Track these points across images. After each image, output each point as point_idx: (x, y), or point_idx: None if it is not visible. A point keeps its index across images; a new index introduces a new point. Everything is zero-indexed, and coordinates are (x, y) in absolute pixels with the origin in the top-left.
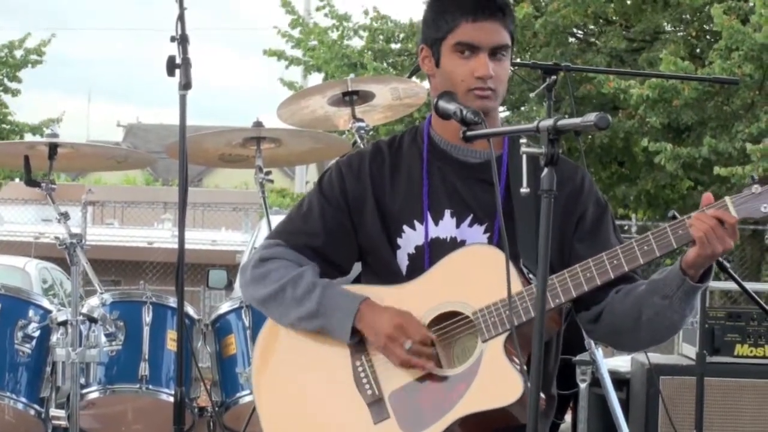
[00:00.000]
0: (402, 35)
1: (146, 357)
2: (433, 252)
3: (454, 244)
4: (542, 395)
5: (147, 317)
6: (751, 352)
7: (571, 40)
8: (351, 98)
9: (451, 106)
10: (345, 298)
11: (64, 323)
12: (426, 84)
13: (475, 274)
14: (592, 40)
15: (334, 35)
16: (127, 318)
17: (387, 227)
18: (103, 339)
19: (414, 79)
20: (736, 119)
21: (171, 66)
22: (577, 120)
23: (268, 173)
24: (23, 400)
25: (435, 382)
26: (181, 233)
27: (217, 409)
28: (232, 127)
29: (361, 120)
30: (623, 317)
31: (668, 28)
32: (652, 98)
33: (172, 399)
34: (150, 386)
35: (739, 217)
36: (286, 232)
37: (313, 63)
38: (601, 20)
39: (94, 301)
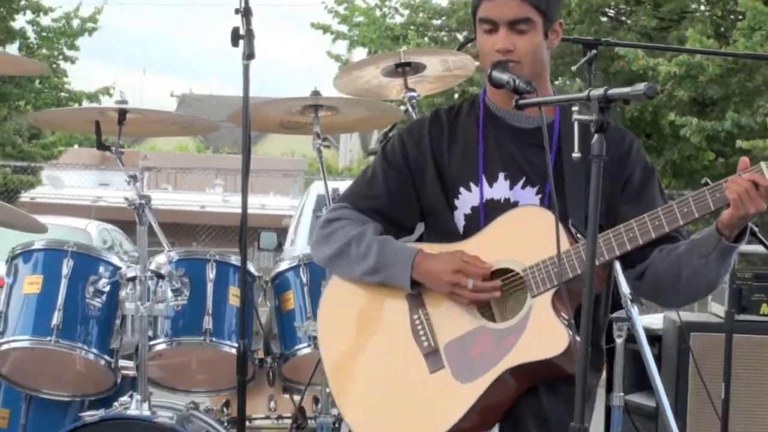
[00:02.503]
0: (442, 13)
1: (210, 311)
2: (488, 212)
3: (507, 205)
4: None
5: (211, 274)
6: None
7: (603, 18)
8: (404, 69)
9: (504, 76)
10: (400, 252)
11: (133, 279)
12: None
13: (526, 234)
14: (623, 18)
15: (378, 13)
16: (192, 274)
17: (445, 189)
18: (170, 294)
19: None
20: (758, 95)
21: (235, 37)
22: (626, 89)
23: (324, 139)
24: (94, 350)
25: (487, 335)
26: (244, 197)
27: (276, 360)
28: (291, 97)
29: (413, 90)
30: (665, 275)
31: (695, 7)
32: (680, 74)
33: (233, 351)
34: (213, 338)
35: None
36: (352, 195)
37: (357, 38)
38: (632, 0)
39: (161, 258)
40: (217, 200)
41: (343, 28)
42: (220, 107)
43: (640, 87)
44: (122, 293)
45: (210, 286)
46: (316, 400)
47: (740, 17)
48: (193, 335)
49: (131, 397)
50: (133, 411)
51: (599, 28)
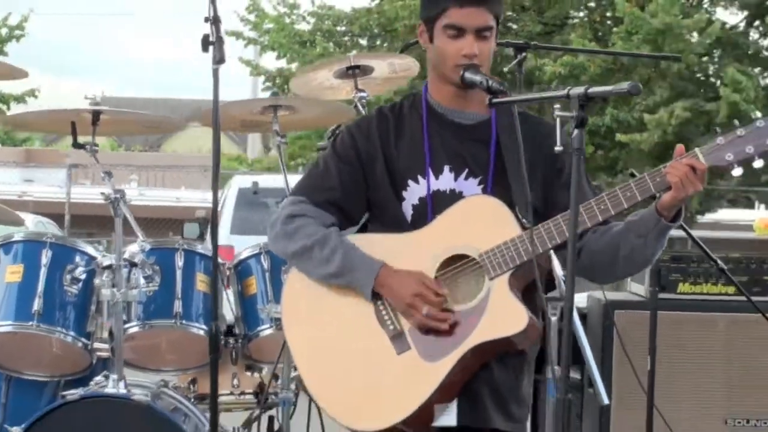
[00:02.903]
0: (345, 20)
1: (179, 296)
2: (435, 202)
3: (453, 195)
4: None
5: (179, 262)
6: (691, 289)
7: None
8: (353, 72)
9: (477, 77)
10: (365, 263)
11: (108, 267)
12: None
13: (476, 221)
14: (510, 24)
15: (287, 20)
16: (162, 262)
17: (394, 181)
18: (142, 281)
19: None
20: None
21: (205, 43)
22: (609, 88)
23: (283, 137)
24: (72, 334)
25: (449, 317)
26: (215, 193)
27: (240, 340)
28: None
29: (363, 90)
30: (601, 254)
31: (575, 13)
32: (564, 74)
33: (201, 332)
34: (183, 321)
35: (707, 164)
36: (308, 188)
37: (267, 44)
38: (517, 7)
39: (134, 247)
40: (133, 194)
41: (254, 35)
42: (135, 108)
43: (624, 85)
44: (97, 280)
45: (179, 273)
46: (275, 377)
47: (618, 22)
48: (165, 318)
49: (106, 377)
50: (110, 389)
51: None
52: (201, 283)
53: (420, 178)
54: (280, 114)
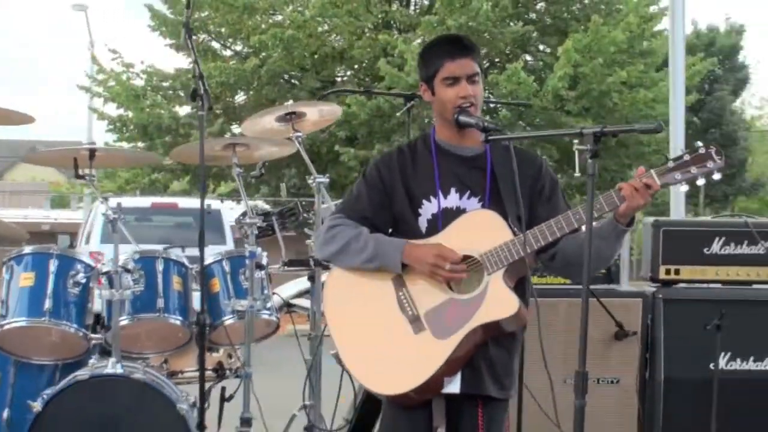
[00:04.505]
0: (170, 78)
1: (161, 294)
2: (444, 217)
3: (458, 211)
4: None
5: (159, 267)
6: (539, 281)
7: (282, 81)
8: (291, 116)
9: (472, 120)
10: (392, 243)
11: (106, 273)
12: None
13: (478, 230)
14: (294, 81)
15: (124, 77)
16: (146, 268)
17: (411, 201)
18: (132, 283)
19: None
20: (393, 132)
21: (194, 95)
22: (628, 126)
23: (240, 167)
24: (74, 326)
25: (456, 304)
26: (201, 215)
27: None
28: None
29: (299, 131)
30: (573, 255)
31: (344, 73)
32: (341, 119)
33: (177, 322)
34: (165, 314)
35: (660, 182)
36: (344, 209)
37: (109, 96)
38: (299, 68)
39: (123, 256)
40: None
41: (99, 89)
42: None
43: (652, 124)
44: (94, 284)
45: (159, 276)
46: (229, 356)
47: (381, 80)
48: (150, 312)
49: (100, 360)
50: (110, 370)
51: (281, 88)
52: (176, 283)
53: (432, 198)
54: (238, 150)
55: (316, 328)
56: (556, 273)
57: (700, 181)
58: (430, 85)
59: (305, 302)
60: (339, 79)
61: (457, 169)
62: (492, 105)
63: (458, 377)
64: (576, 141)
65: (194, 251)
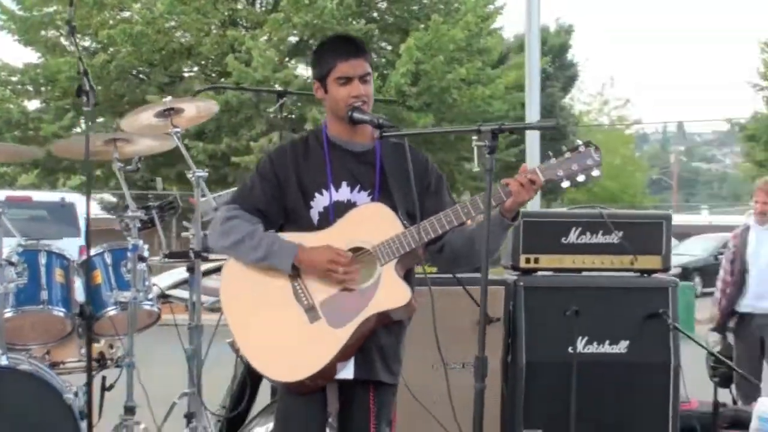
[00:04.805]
0: (18, 73)
1: (44, 287)
2: (336, 209)
3: (348, 204)
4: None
5: (42, 260)
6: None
7: (130, 76)
8: (169, 112)
9: (366, 117)
10: (285, 247)
11: None
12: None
13: (369, 222)
14: (142, 77)
15: None
16: (30, 261)
17: (304, 194)
18: (15, 276)
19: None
20: (241, 126)
21: (79, 91)
22: (525, 123)
23: (124, 161)
24: None
25: (350, 294)
26: (88, 213)
27: (87, 319)
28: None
29: (177, 126)
30: (461, 247)
31: (192, 68)
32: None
33: (61, 314)
34: (48, 306)
35: (543, 179)
36: (239, 199)
37: None
38: (148, 63)
39: (8, 250)
40: None
41: None
42: None
43: (551, 122)
44: None
45: (42, 269)
46: (110, 346)
47: (228, 75)
48: (34, 305)
49: None
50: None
51: (130, 83)
52: (59, 276)
53: (324, 191)
54: (119, 144)
55: (196, 318)
56: (443, 264)
57: (581, 178)
58: (323, 84)
59: (181, 293)
60: (186, 75)
61: (348, 164)
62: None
63: (351, 363)
64: (474, 138)
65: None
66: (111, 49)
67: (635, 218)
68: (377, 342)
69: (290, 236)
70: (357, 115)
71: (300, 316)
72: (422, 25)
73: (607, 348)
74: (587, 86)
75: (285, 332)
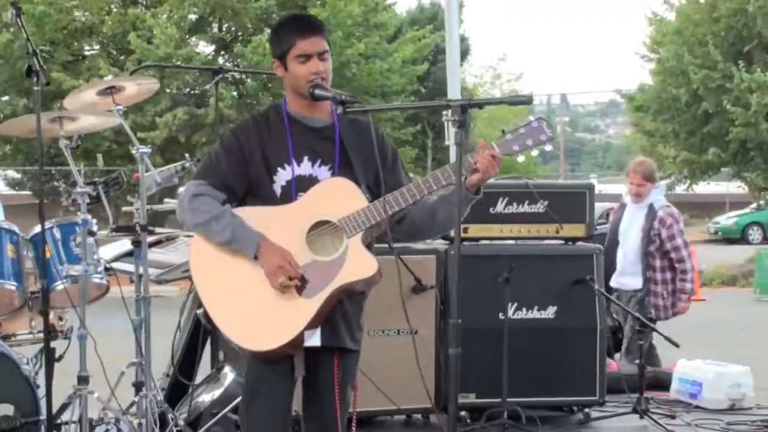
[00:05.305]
0: None
1: None
2: (297, 183)
3: (311, 179)
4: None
5: None
6: None
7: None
8: (111, 90)
9: (328, 94)
10: (249, 236)
11: None
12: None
13: (334, 196)
14: (45, 55)
15: None
16: None
17: (267, 168)
18: None
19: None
20: (146, 102)
21: (29, 71)
22: (496, 98)
23: (69, 139)
24: None
25: (319, 265)
26: (41, 194)
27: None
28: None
29: (119, 104)
30: (421, 219)
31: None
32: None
33: (13, 287)
34: (0, 281)
35: (501, 153)
36: (205, 173)
37: None
38: (50, 42)
39: None
40: None
41: None
42: None
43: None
44: None
45: None
46: (60, 318)
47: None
48: None
49: None
50: None
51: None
52: (10, 251)
53: (287, 165)
54: (65, 123)
55: (144, 290)
56: (401, 235)
57: (534, 152)
58: (282, 62)
59: (124, 265)
60: (89, 53)
61: (308, 139)
62: (239, 76)
63: (318, 331)
64: (445, 112)
65: None
66: (13, 28)
67: (560, 188)
68: (342, 310)
69: (257, 210)
70: (319, 92)
71: (269, 288)
72: (319, 2)
73: (536, 313)
74: (478, 59)
75: (256, 302)
